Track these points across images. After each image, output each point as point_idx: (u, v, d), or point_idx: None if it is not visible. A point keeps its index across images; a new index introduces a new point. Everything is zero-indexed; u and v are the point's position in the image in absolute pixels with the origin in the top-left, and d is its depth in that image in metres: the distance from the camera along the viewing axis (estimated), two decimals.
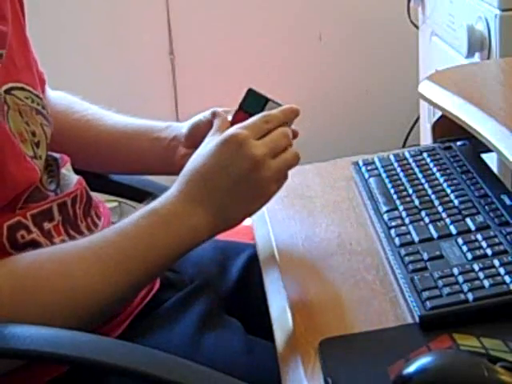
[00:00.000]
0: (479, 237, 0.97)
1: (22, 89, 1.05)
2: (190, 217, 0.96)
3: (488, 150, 1.16)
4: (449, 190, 1.09)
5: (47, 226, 1.01)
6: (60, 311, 0.91)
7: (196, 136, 1.08)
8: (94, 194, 1.15)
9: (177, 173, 1.02)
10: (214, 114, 1.06)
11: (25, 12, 1.13)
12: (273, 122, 0.99)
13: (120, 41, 2.61)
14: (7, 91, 1.02)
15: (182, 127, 1.16)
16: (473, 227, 1.00)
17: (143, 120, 1.23)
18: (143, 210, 0.97)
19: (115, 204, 2.51)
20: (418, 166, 1.18)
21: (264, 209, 1.15)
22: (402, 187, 1.13)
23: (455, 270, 0.91)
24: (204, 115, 1.11)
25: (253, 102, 1.03)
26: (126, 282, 0.94)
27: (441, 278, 0.90)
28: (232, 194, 0.96)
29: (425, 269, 0.93)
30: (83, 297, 0.92)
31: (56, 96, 1.26)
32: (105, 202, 1.20)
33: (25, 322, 0.88)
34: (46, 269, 0.93)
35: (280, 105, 1.03)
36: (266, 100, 1.03)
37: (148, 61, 2.63)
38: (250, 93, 1.04)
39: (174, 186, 0.98)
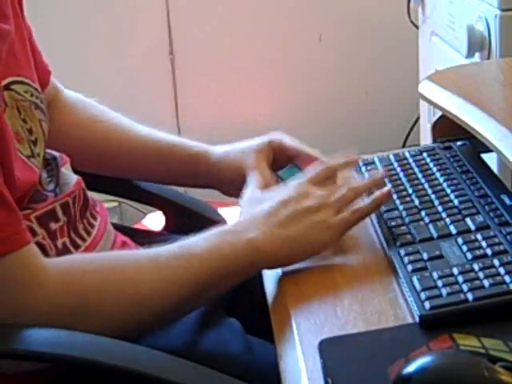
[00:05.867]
0: (479, 237, 0.97)
1: (22, 82, 1.05)
2: (264, 263, 0.99)
3: (488, 150, 1.16)
4: (449, 190, 1.09)
5: (53, 226, 1.01)
6: (124, 322, 0.92)
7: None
8: (92, 194, 1.15)
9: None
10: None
11: (24, 12, 1.13)
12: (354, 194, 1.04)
13: (120, 41, 2.60)
14: (6, 86, 1.01)
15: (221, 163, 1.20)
16: (473, 227, 1.00)
17: (173, 137, 1.25)
18: (221, 237, 0.98)
19: (115, 204, 2.51)
20: (417, 166, 1.18)
21: None
22: (401, 187, 1.13)
23: (455, 270, 0.91)
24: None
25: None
26: (187, 292, 0.95)
27: (441, 277, 0.90)
28: (300, 233, 0.99)
29: (425, 269, 0.93)
30: (146, 304, 0.93)
31: (74, 100, 1.26)
32: (105, 202, 1.20)
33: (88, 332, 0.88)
34: (110, 280, 0.93)
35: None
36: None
37: (148, 61, 2.62)
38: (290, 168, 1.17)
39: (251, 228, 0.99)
